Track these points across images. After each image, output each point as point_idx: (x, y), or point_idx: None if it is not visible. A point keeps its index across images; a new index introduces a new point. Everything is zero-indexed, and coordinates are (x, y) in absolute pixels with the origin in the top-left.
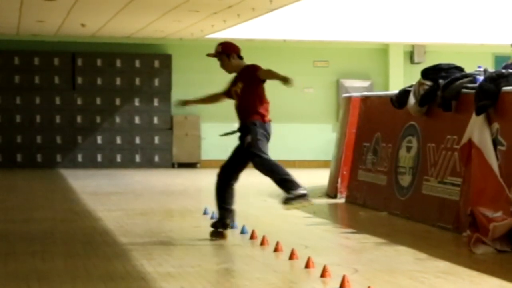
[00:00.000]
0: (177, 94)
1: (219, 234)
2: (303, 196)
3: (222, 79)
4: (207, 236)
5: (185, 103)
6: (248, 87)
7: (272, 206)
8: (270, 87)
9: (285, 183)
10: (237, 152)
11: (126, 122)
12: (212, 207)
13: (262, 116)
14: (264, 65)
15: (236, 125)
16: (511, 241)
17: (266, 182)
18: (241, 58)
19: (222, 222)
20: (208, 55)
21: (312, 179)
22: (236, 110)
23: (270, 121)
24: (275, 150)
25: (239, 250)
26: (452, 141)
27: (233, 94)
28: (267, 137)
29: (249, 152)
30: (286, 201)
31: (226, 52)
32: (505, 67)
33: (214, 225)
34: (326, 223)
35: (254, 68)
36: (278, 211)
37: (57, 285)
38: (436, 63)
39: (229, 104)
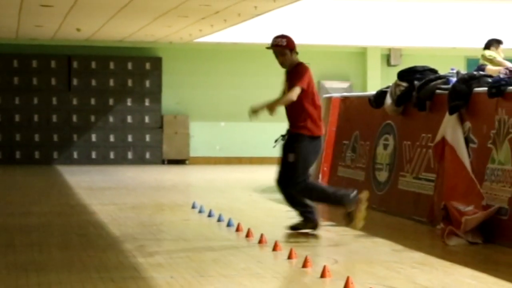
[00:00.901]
0: (167, 95)
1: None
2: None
3: (209, 81)
4: (195, 228)
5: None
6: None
7: (257, 200)
8: (255, 87)
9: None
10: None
11: (119, 121)
12: (200, 201)
13: (309, 129)
14: (250, 67)
15: (222, 124)
16: (482, 234)
17: (251, 178)
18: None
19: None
20: (274, 46)
21: None
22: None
23: (320, 135)
24: (261, 148)
25: (225, 241)
26: (427, 139)
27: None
28: (313, 153)
29: (289, 174)
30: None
31: (291, 47)
32: (478, 69)
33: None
34: None
35: (298, 73)
36: (262, 205)
37: (54, 275)
38: (411, 65)
39: (217, 103)
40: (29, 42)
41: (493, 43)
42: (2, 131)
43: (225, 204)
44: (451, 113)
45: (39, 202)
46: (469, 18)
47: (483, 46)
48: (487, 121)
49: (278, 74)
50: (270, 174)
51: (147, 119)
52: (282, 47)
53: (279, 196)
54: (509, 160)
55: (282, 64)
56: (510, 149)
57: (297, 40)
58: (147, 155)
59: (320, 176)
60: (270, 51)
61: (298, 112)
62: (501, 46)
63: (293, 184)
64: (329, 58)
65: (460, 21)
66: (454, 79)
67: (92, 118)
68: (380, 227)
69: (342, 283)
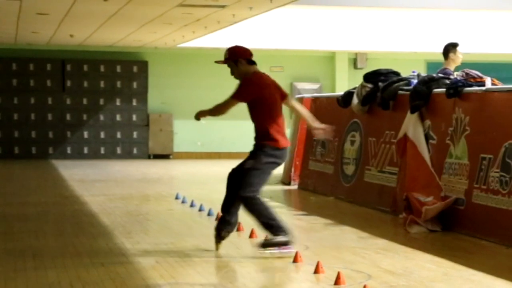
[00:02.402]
0: (152, 95)
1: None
2: (282, 243)
3: (192, 82)
4: (178, 217)
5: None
6: (250, 103)
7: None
8: (232, 88)
9: (270, 227)
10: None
11: (108, 119)
12: (183, 193)
13: (274, 140)
14: (228, 70)
15: (203, 122)
16: (441, 222)
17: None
18: (252, 63)
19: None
20: (217, 62)
21: None
22: None
23: (284, 147)
24: (239, 144)
25: (205, 229)
26: (390, 135)
27: None
28: (275, 164)
29: (239, 184)
30: (264, 245)
31: (233, 58)
32: (440, 73)
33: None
34: (281, 207)
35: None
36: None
37: (49, 260)
38: (376, 68)
39: (198, 103)
40: (27, 47)
41: (450, 49)
42: (2, 129)
43: (206, 195)
44: (412, 112)
45: (35, 193)
46: (428, 25)
47: (441, 50)
48: (445, 119)
49: None
50: None
51: (134, 118)
52: (224, 62)
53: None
54: (465, 155)
55: (235, 78)
56: (466, 145)
57: (271, 45)
58: (134, 150)
59: (293, 169)
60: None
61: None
62: (458, 49)
63: None
64: (301, 62)
65: (420, 28)
66: (415, 81)
67: (84, 116)
68: (348, 216)
69: (313, 267)
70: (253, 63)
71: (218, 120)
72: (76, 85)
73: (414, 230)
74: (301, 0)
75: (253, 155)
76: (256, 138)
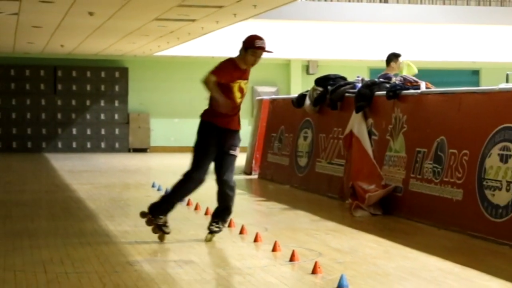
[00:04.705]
0: (132, 97)
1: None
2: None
3: (166, 86)
4: None
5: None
6: None
7: None
8: (201, 91)
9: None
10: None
11: (94, 118)
12: (158, 181)
13: None
14: (198, 75)
15: (176, 120)
16: (382, 207)
17: None
18: (246, 49)
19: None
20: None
21: None
22: (234, 108)
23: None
24: None
25: (178, 213)
26: (338, 132)
27: (237, 89)
28: None
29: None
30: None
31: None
32: (381, 77)
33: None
34: (243, 194)
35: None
36: (207, 184)
37: (43, 240)
38: (326, 74)
39: (172, 104)
40: (23, 55)
41: (392, 58)
42: (1, 126)
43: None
44: (357, 112)
45: (30, 182)
46: (371, 37)
47: (383, 58)
48: (385, 118)
49: None
50: None
51: (116, 116)
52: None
53: None
54: (403, 149)
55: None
56: (404, 140)
57: (235, 54)
58: (116, 145)
59: (254, 161)
60: (212, 62)
61: None
62: (399, 59)
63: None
64: (260, 68)
65: (364, 39)
66: (359, 85)
67: (73, 115)
68: (301, 202)
69: (271, 246)
70: (247, 49)
71: (188, 118)
72: (66, 88)
73: (358, 214)
74: (261, 15)
75: None
76: None
